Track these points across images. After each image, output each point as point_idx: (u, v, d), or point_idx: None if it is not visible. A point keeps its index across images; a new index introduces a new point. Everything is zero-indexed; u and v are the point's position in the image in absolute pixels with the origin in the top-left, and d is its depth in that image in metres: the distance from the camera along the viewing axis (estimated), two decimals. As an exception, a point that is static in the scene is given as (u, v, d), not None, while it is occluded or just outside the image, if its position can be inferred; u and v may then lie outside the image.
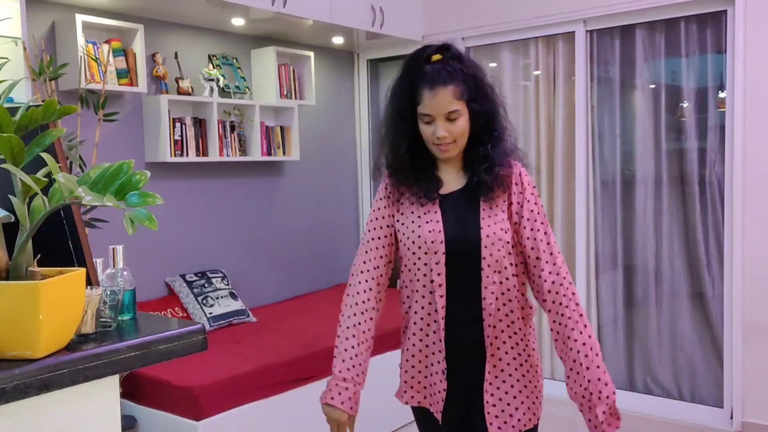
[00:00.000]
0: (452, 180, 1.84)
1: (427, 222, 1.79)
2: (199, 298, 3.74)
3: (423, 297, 1.81)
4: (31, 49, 3.03)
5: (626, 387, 4.06)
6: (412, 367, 1.87)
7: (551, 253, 1.78)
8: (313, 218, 4.72)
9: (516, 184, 1.80)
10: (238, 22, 3.94)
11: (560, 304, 1.76)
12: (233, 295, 3.90)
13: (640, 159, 4.01)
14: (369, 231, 1.88)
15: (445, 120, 1.74)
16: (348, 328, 1.82)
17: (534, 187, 1.84)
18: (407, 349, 1.88)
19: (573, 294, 1.77)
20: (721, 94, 3.71)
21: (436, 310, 1.79)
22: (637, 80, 3.99)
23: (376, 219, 1.87)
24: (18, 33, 2.86)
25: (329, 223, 4.85)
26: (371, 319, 1.83)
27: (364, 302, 1.82)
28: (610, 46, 4.03)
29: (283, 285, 4.51)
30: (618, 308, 4.11)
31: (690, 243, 3.88)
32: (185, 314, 3.68)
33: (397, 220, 1.85)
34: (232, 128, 3.99)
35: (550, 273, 1.77)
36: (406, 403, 1.91)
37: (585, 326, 1.75)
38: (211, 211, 4.06)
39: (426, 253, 1.77)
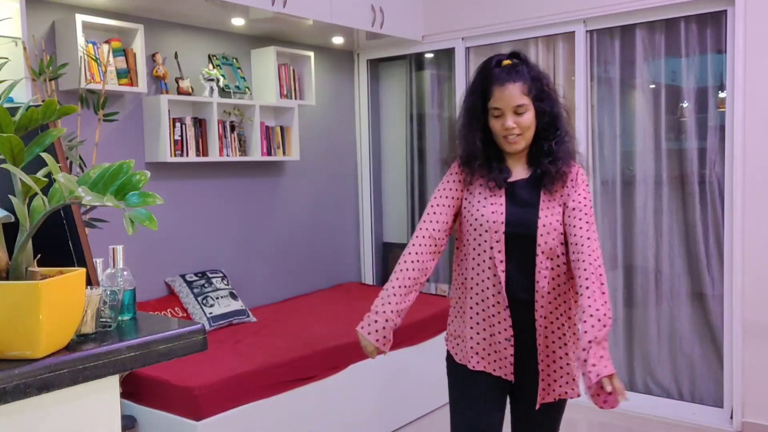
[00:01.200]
0: (519, 171, 2.04)
1: (492, 204, 2.00)
2: (199, 298, 3.74)
3: (483, 271, 1.99)
4: (31, 49, 3.03)
5: (626, 387, 4.04)
6: (477, 334, 2.03)
7: (588, 238, 1.95)
8: (313, 218, 4.72)
9: (572, 179, 2.01)
10: (238, 22, 3.94)
11: (586, 279, 1.89)
12: (233, 295, 3.90)
13: (640, 159, 4.01)
14: (435, 198, 2.08)
15: (513, 113, 1.95)
16: (395, 274, 2.02)
17: (587, 185, 2.05)
18: (470, 318, 2.03)
19: (600, 275, 1.90)
20: (721, 94, 3.71)
21: (495, 284, 1.97)
22: (637, 80, 3.99)
23: (444, 189, 2.09)
24: (18, 33, 2.86)
25: (329, 223, 4.85)
26: (420, 270, 2.02)
27: (417, 254, 2.02)
28: (610, 46, 4.03)
29: (283, 285, 4.51)
30: (618, 308, 4.11)
31: (690, 243, 3.88)
32: (185, 314, 3.68)
33: (465, 198, 2.06)
34: (232, 128, 3.99)
35: (588, 254, 1.92)
36: (473, 367, 2.04)
37: (604, 303, 1.85)
38: (211, 211, 4.06)
39: (487, 231, 1.98)
